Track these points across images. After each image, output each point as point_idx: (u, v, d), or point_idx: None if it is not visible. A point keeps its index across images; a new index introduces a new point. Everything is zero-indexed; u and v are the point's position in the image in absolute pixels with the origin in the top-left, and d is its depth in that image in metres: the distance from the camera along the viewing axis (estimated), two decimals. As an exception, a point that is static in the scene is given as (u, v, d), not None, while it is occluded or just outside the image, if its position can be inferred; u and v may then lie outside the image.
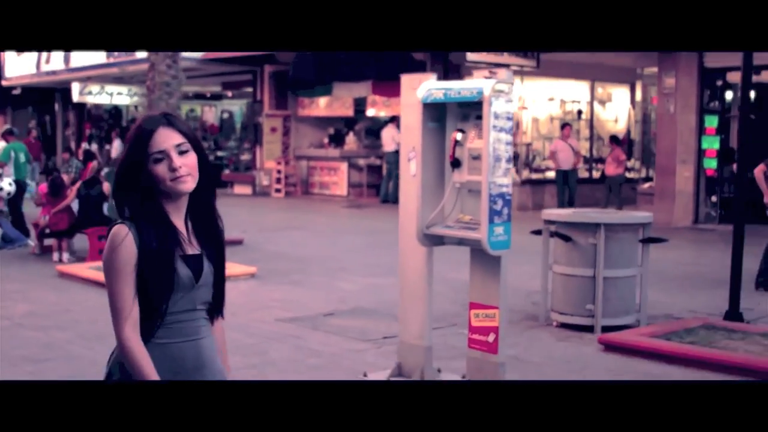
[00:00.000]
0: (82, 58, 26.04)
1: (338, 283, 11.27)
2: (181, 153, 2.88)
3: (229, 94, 28.21)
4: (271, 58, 24.15)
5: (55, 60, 27.60)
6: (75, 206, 13.53)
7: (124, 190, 2.91)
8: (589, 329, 8.49)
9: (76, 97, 26.64)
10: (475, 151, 6.15)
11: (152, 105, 14.70)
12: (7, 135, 16.23)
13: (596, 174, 21.04)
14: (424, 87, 6.40)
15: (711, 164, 17.63)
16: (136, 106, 19.42)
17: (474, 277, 6.50)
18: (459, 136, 6.26)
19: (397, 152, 22.15)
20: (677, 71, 17.54)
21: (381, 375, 7.00)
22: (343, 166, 24.09)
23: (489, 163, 5.95)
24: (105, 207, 13.36)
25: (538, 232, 9.08)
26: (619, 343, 7.87)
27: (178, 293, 2.89)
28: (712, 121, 17.60)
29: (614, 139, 20.14)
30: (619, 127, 24.07)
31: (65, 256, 13.07)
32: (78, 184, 13.37)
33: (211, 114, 30.06)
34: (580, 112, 23.61)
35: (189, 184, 2.89)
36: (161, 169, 2.85)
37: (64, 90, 29.53)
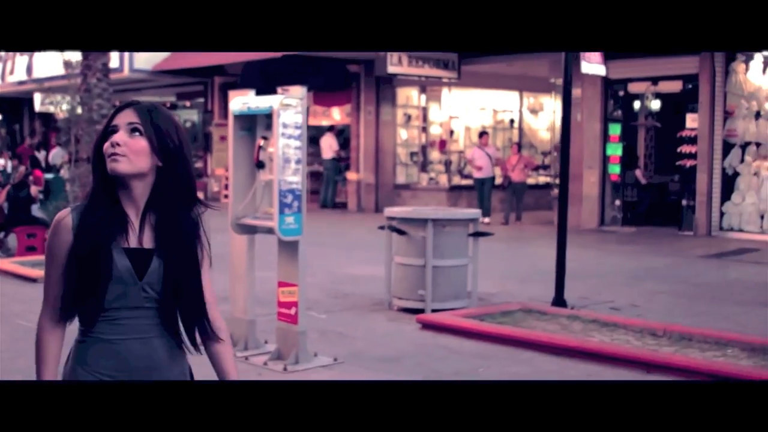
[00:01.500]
0: (43, 69, 27.21)
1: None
2: (132, 132, 2.75)
3: (187, 104, 29.42)
4: (221, 70, 25.33)
5: (19, 71, 28.83)
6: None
7: (92, 167, 2.83)
8: (421, 312, 9.69)
9: (38, 107, 27.82)
10: (272, 154, 7.37)
11: (83, 116, 16.00)
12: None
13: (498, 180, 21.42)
14: (236, 101, 7.65)
15: (615, 170, 18.84)
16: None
17: (280, 261, 7.74)
18: (262, 142, 7.49)
19: (333, 159, 23.46)
20: (583, 82, 18.76)
21: (212, 345, 8.21)
22: (289, 173, 25.22)
23: (279, 164, 7.19)
24: (33, 208, 14.59)
25: (383, 227, 10.29)
26: (432, 322, 9.10)
27: (118, 286, 2.75)
28: (615, 129, 18.82)
29: (519, 146, 21.27)
30: (549, 136, 25.30)
31: (-4, 252, 14.30)
32: (8, 187, 14.61)
33: (174, 123, 31.21)
34: (512, 121, 24.85)
35: (121, 164, 2.73)
36: (106, 144, 2.75)
37: (30, 100, 30.71)
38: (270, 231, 7.60)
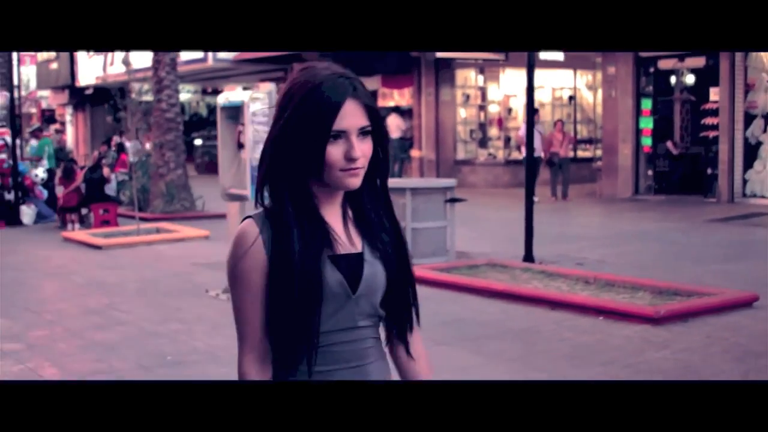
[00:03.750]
0: (139, 60, 29.71)
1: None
2: (362, 135, 2.21)
3: (272, 89, 31.54)
4: (299, 58, 27.31)
5: (117, 63, 31.43)
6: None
7: (276, 170, 2.24)
8: (405, 267, 11.43)
9: (133, 96, 30.39)
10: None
11: (151, 104, 18.31)
12: (37, 132, 20.03)
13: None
14: (222, 96, 9.57)
15: (647, 142, 20.15)
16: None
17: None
18: (241, 128, 9.39)
19: (400, 138, 25.26)
20: (616, 60, 20.14)
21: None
22: (361, 152, 27.13)
23: (249, 145, 9.07)
24: (106, 187, 16.90)
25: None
26: (402, 273, 10.85)
27: (329, 306, 2.23)
28: (647, 104, 20.11)
29: (563, 122, 22.33)
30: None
31: (76, 226, 16.60)
32: (84, 169, 16.94)
33: (262, 107, 33.44)
34: (571, 98, 26.21)
35: (359, 179, 2.23)
36: (335, 153, 2.18)
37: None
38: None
